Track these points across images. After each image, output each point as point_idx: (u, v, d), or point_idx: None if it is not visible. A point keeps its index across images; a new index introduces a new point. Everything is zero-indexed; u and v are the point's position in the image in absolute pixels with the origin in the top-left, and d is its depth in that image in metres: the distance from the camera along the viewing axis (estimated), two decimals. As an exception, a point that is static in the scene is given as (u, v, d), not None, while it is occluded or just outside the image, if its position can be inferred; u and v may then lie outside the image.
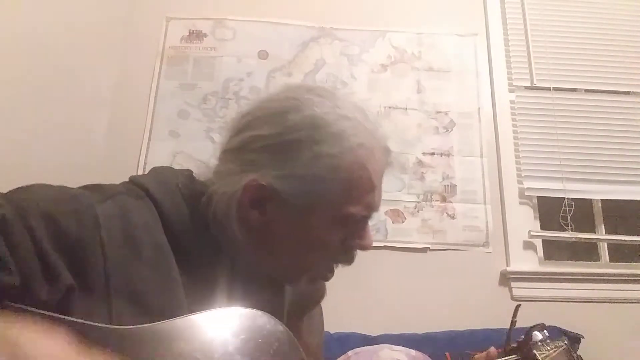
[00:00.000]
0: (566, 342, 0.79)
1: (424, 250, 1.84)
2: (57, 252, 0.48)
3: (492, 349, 0.81)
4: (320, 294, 0.78)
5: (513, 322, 0.81)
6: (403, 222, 1.87)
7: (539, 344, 0.76)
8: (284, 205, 0.60)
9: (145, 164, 1.87)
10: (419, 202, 1.89)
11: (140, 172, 1.68)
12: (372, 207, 0.63)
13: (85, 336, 0.45)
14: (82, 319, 0.47)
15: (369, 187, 0.62)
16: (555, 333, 0.81)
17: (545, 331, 0.77)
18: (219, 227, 0.61)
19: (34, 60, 1.51)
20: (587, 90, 2.09)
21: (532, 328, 0.77)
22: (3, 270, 0.45)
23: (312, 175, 0.58)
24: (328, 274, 0.67)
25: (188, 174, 0.67)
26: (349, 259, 0.66)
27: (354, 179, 0.60)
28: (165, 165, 0.70)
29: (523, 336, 0.78)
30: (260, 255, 0.63)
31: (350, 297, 1.68)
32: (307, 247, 0.62)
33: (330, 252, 0.64)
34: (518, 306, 0.82)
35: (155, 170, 0.67)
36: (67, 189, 0.55)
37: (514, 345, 0.79)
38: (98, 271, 0.51)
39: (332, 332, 1.56)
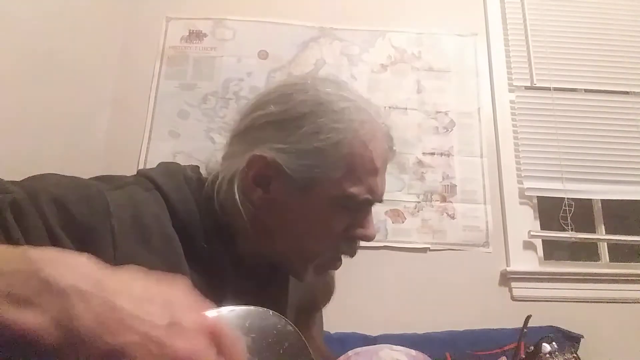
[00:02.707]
0: (575, 354, 0.79)
1: (424, 250, 1.84)
2: (68, 237, 0.48)
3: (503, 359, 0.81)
4: (330, 289, 0.77)
5: (523, 333, 0.80)
6: (403, 222, 1.87)
7: (548, 355, 0.76)
8: (286, 183, 0.60)
9: (145, 163, 1.87)
10: (419, 202, 1.89)
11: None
12: (374, 192, 0.63)
13: None
14: None
15: (370, 167, 0.62)
16: (561, 341, 0.80)
17: (554, 343, 0.77)
18: (222, 208, 0.61)
19: (33, 61, 1.51)
20: (587, 90, 2.09)
21: (541, 340, 0.77)
22: None
23: (314, 149, 0.59)
24: (337, 262, 0.66)
25: (195, 167, 0.68)
26: (351, 250, 0.65)
27: (356, 156, 0.60)
28: None
29: (532, 347, 0.77)
30: (264, 240, 0.63)
31: (350, 297, 1.68)
32: (309, 230, 0.62)
33: (332, 238, 0.63)
34: (528, 317, 0.82)
35: (162, 164, 0.67)
36: (78, 178, 0.55)
37: (523, 357, 0.79)
38: (108, 258, 0.50)
39: (332, 332, 1.56)
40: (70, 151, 1.68)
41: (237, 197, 0.59)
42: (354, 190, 0.60)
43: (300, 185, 0.60)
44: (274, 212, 0.61)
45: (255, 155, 0.59)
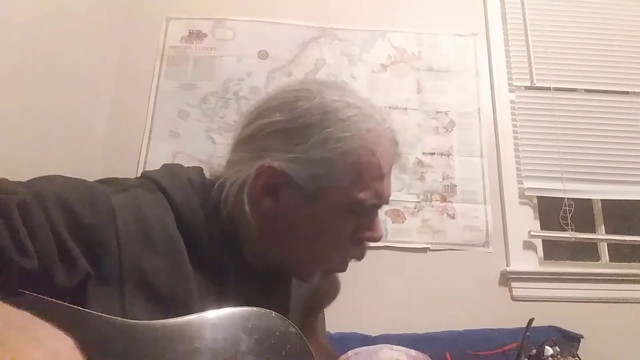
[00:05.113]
0: (578, 357, 0.79)
1: (424, 250, 1.84)
2: (74, 239, 0.49)
3: None
4: (336, 289, 0.78)
5: (526, 336, 0.80)
6: (403, 222, 1.87)
7: (550, 358, 0.76)
8: (295, 191, 0.60)
9: (145, 163, 1.87)
10: (419, 202, 1.89)
11: (139, 172, 1.69)
12: (381, 196, 0.64)
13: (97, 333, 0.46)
14: (96, 307, 0.48)
15: (377, 173, 0.63)
16: (561, 341, 0.80)
17: (556, 346, 0.77)
18: (230, 216, 0.61)
19: (33, 61, 1.51)
20: (587, 90, 2.09)
21: (544, 343, 0.77)
22: (23, 255, 0.45)
23: (322, 159, 0.59)
24: (344, 264, 0.67)
25: (198, 169, 0.68)
26: (360, 253, 0.67)
27: (363, 164, 0.61)
28: None
29: (534, 350, 0.77)
30: (271, 246, 0.63)
31: (350, 297, 1.67)
32: (318, 237, 0.63)
33: (341, 243, 0.64)
34: (531, 320, 0.82)
35: (166, 166, 0.68)
36: (83, 180, 0.56)
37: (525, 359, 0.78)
38: (113, 260, 0.51)
39: (332, 332, 1.56)
40: (70, 151, 1.68)
41: (246, 207, 0.60)
42: (362, 196, 0.61)
43: (309, 193, 0.60)
44: (283, 219, 0.62)
45: (264, 165, 0.60)
